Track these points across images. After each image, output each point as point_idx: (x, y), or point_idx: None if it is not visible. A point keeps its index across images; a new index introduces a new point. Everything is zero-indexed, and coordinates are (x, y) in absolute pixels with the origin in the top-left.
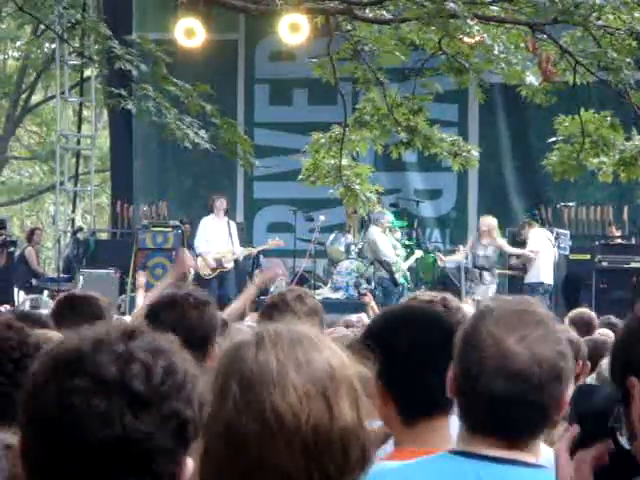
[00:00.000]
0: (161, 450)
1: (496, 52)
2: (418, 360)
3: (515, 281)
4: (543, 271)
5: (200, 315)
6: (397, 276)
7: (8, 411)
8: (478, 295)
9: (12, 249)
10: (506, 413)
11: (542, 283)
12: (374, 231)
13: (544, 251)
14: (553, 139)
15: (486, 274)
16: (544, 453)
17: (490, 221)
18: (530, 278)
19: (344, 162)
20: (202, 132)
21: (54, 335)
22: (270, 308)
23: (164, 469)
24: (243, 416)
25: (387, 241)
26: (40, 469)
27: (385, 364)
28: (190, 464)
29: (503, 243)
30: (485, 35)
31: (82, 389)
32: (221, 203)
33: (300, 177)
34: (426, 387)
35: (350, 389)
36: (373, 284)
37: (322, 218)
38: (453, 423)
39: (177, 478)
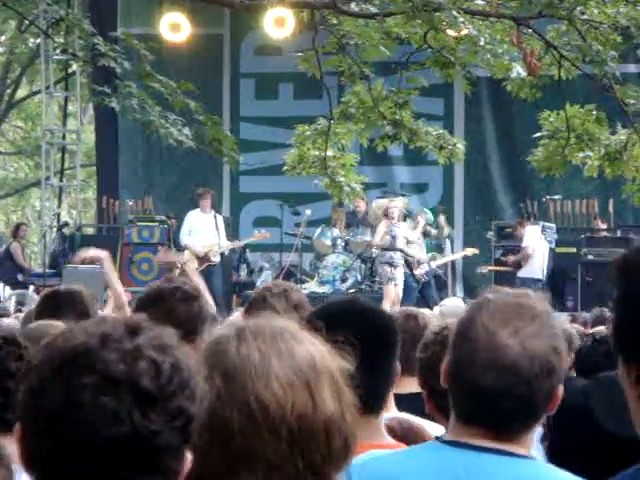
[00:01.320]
0: (167, 447)
1: (482, 43)
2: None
3: (503, 276)
4: (537, 267)
5: (188, 309)
6: (418, 273)
7: None
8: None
9: None
10: (494, 404)
11: (538, 280)
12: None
13: (539, 248)
14: (538, 134)
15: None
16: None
17: (381, 204)
18: (523, 273)
19: (329, 153)
20: (186, 130)
21: (59, 325)
22: (255, 302)
23: (169, 466)
24: (227, 407)
25: (415, 238)
26: (44, 468)
27: None
28: (189, 458)
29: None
30: (470, 26)
31: (91, 386)
32: (206, 199)
33: (285, 168)
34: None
35: (331, 380)
36: (359, 277)
37: (308, 212)
38: None
39: (179, 473)
